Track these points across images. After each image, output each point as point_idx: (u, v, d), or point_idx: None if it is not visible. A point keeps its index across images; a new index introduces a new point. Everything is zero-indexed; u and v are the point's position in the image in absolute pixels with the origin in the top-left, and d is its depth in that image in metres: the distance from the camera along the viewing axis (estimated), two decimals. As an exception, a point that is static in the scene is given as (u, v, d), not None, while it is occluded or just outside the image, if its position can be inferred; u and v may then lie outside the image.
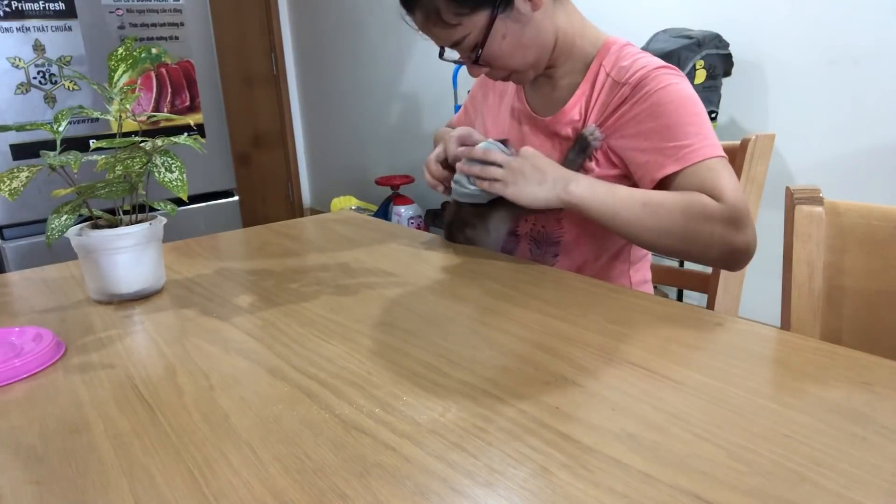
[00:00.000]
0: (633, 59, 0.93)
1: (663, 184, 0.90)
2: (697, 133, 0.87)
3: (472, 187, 0.97)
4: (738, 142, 1.04)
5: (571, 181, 0.90)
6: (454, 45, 0.93)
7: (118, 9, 2.26)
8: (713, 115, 1.94)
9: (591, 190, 0.89)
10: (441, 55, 0.98)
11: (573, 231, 0.99)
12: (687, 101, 0.89)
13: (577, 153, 0.95)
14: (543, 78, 1.03)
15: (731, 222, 0.84)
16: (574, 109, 0.98)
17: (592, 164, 0.95)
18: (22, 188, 0.75)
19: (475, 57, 0.92)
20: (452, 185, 1.01)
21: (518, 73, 0.97)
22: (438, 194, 1.10)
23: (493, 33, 0.90)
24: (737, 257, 0.87)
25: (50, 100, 2.20)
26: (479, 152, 0.95)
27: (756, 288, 1.72)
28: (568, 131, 0.98)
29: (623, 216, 0.87)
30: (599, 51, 0.97)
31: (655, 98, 0.89)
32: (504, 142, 0.98)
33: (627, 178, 0.95)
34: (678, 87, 0.90)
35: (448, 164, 1.05)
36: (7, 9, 2.07)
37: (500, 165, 0.93)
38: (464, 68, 3.24)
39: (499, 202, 0.97)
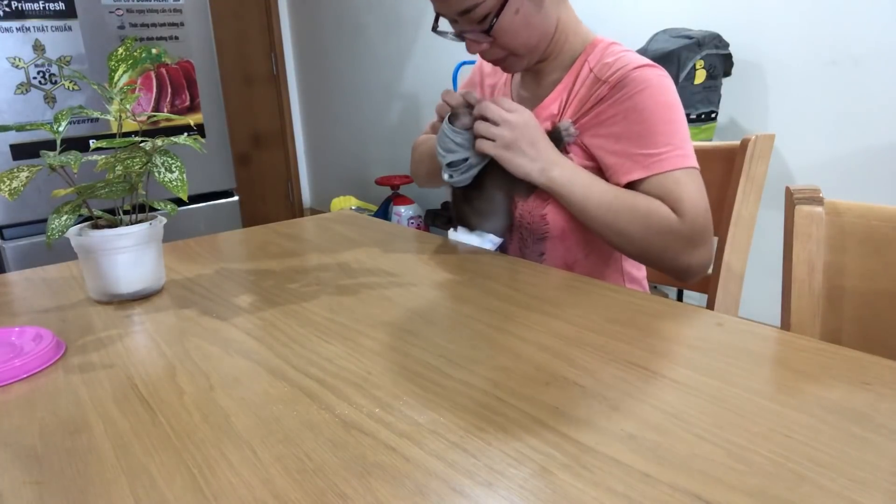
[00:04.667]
0: (616, 56, 0.94)
1: (630, 188, 0.91)
2: (668, 142, 0.88)
3: (455, 176, 0.96)
4: (738, 142, 1.04)
5: (557, 166, 0.91)
6: (463, 13, 0.91)
7: (118, 9, 2.26)
8: (713, 115, 1.94)
9: (570, 180, 0.91)
10: (435, 27, 0.97)
11: (558, 227, 0.99)
12: (663, 108, 0.89)
13: None
14: (530, 74, 1.04)
15: (687, 240, 0.87)
16: (554, 104, 0.99)
17: (571, 156, 0.96)
18: (22, 188, 0.75)
19: (488, 26, 0.91)
20: (444, 176, 0.98)
21: (515, 56, 0.97)
22: (438, 195, 1.10)
23: (509, 5, 0.90)
24: (688, 273, 0.91)
25: (50, 100, 2.20)
26: (485, 107, 0.92)
27: (756, 288, 1.72)
28: (546, 125, 0.99)
29: (591, 212, 0.91)
30: (586, 48, 0.98)
31: (632, 102, 0.89)
32: None
33: (603, 171, 0.96)
34: (656, 90, 0.89)
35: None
36: (7, 9, 2.07)
37: (496, 123, 0.91)
38: (464, 68, 3.21)
39: (487, 172, 0.97)
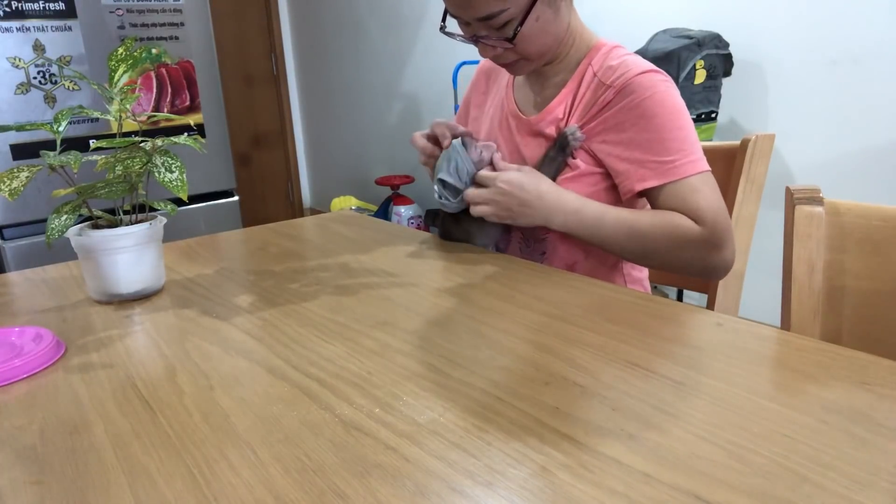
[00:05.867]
0: (620, 60, 0.94)
1: (643, 194, 0.92)
2: (680, 148, 0.89)
3: (449, 201, 0.98)
4: (738, 142, 1.04)
5: (557, 216, 0.92)
6: (484, 18, 0.90)
7: (118, 9, 2.26)
8: (713, 115, 1.94)
9: (578, 221, 0.92)
10: (442, 28, 0.97)
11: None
12: (672, 113, 0.90)
13: (557, 151, 0.96)
14: (534, 76, 1.04)
15: (710, 245, 0.88)
16: (559, 108, 0.98)
17: (578, 162, 0.96)
18: (22, 188, 0.75)
19: (512, 34, 0.90)
20: (435, 196, 1.00)
21: (526, 60, 0.97)
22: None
23: (531, 12, 0.90)
24: (715, 274, 0.93)
25: (50, 100, 2.20)
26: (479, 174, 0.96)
27: (756, 288, 1.72)
28: (551, 130, 0.99)
29: (609, 243, 0.93)
30: (590, 51, 0.98)
31: (640, 109, 0.90)
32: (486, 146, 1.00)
33: (611, 177, 0.96)
34: (664, 95, 0.90)
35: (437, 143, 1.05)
36: (7, 9, 2.07)
37: (485, 185, 0.94)
38: (464, 68, 3.21)
39: None
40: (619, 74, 0.92)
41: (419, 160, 1.07)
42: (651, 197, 0.92)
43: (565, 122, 0.97)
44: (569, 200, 0.92)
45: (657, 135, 0.89)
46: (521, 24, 0.90)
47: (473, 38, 0.94)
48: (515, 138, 1.04)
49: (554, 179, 0.96)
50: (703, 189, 0.88)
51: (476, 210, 0.95)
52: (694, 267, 0.91)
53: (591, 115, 0.94)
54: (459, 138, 0.98)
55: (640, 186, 0.90)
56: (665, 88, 0.90)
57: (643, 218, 0.90)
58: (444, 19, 0.96)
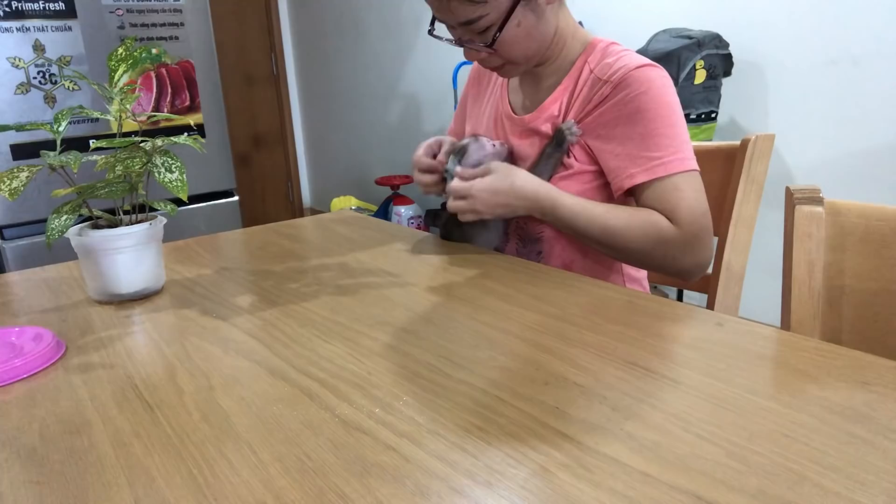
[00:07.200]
0: (617, 56, 0.94)
1: (630, 191, 0.93)
2: (669, 145, 0.89)
3: None
4: (738, 142, 1.04)
5: (534, 210, 0.94)
6: (465, 24, 0.90)
7: (118, 9, 2.26)
8: (713, 115, 1.94)
9: (553, 216, 0.93)
10: (431, 31, 0.97)
11: (552, 226, 1.00)
12: (666, 110, 0.90)
13: (553, 148, 0.96)
14: (528, 76, 1.04)
15: (683, 247, 0.90)
16: (554, 105, 0.99)
17: (572, 160, 0.96)
18: (22, 188, 0.75)
19: (490, 40, 0.91)
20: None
21: (512, 64, 0.97)
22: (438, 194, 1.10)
23: (512, 18, 0.90)
24: (686, 277, 0.95)
25: (50, 100, 2.19)
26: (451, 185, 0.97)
27: (756, 288, 1.72)
28: (547, 127, 0.99)
29: (585, 238, 0.94)
30: (585, 49, 0.99)
31: (635, 104, 0.90)
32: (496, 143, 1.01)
33: (604, 174, 0.96)
34: (659, 91, 0.90)
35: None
36: (7, 9, 2.07)
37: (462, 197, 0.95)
38: (464, 68, 3.22)
39: None
40: (616, 70, 0.92)
41: (423, 191, 1.08)
42: (636, 193, 0.92)
43: (561, 118, 0.98)
44: (543, 196, 0.93)
45: (650, 129, 0.89)
46: (500, 29, 0.90)
47: (459, 42, 0.95)
48: (510, 139, 1.04)
49: (551, 176, 0.96)
50: (686, 189, 0.89)
51: (463, 217, 0.97)
52: (667, 267, 0.93)
53: (588, 110, 0.94)
54: (472, 137, 1.00)
55: (629, 184, 0.91)
56: (661, 84, 0.91)
57: (620, 215, 0.91)
58: (432, 23, 0.97)
